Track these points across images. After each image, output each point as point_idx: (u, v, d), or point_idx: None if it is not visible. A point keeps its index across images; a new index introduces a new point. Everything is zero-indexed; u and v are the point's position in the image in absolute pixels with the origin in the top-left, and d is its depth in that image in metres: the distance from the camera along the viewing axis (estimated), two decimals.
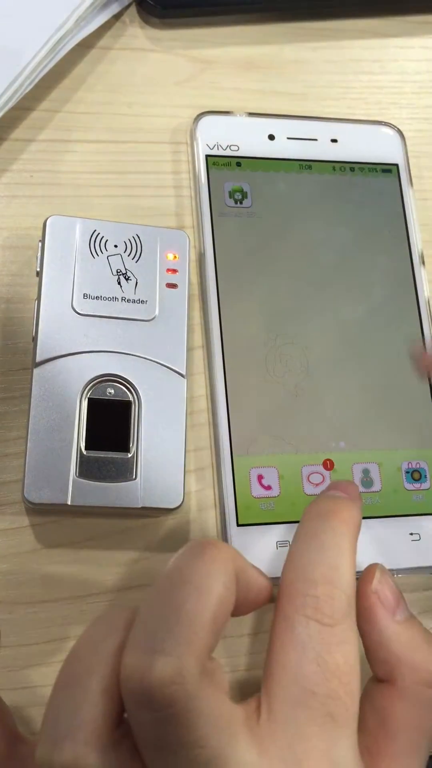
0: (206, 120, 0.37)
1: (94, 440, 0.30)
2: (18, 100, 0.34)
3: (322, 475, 0.33)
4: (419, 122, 0.41)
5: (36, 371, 0.30)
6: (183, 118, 0.38)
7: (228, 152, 0.37)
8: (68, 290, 0.31)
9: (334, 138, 0.38)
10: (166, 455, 0.31)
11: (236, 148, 0.37)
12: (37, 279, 0.32)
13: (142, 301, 0.32)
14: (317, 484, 0.33)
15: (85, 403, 0.31)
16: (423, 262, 0.37)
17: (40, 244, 0.32)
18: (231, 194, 0.36)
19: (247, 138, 0.37)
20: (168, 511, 0.31)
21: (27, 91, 0.34)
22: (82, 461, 0.30)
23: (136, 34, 0.40)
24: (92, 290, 0.32)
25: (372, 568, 0.27)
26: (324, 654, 0.22)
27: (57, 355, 0.31)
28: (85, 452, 0.30)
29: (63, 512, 0.31)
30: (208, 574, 0.22)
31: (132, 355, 0.31)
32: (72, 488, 0.29)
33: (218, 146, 0.37)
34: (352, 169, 0.38)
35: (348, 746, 0.22)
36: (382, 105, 0.41)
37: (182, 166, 0.37)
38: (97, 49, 0.39)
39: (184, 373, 0.32)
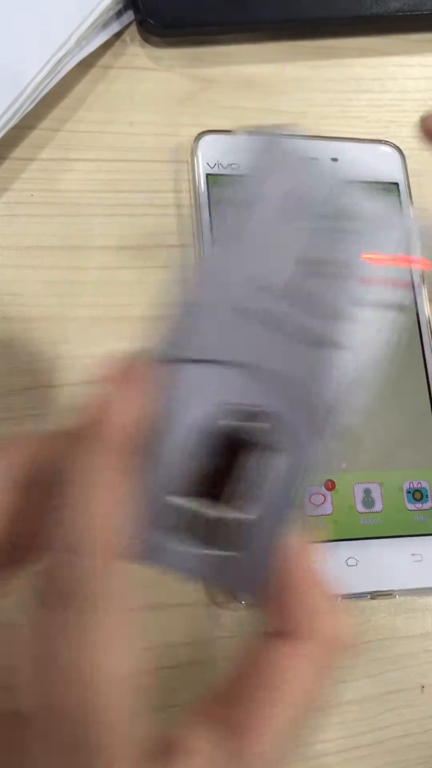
0: (207, 139, 0.37)
1: (192, 483, 0.22)
2: (19, 119, 0.34)
3: (323, 495, 0.33)
4: (419, 140, 0.41)
5: (163, 368, 0.21)
6: (184, 136, 0.38)
7: (229, 170, 0.37)
8: (246, 269, 0.21)
9: (334, 157, 0.38)
10: (272, 525, 0.22)
11: (237, 166, 0.37)
12: (192, 226, 0.25)
13: (334, 316, 0.22)
14: (319, 505, 0.33)
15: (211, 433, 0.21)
16: (423, 281, 0.37)
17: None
18: None
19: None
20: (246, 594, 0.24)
21: (28, 110, 0.34)
22: (181, 515, 0.21)
23: (137, 52, 0.40)
24: (276, 279, 0.22)
25: None
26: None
27: (196, 359, 0.21)
28: (175, 498, 0.21)
29: None
30: None
31: (291, 381, 0.22)
32: (162, 548, 0.21)
33: (219, 165, 0.37)
34: None
35: None
36: (382, 123, 0.42)
37: (183, 184, 0.37)
38: (98, 68, 0.39)
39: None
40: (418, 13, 0.42)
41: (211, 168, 0.37)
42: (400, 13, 0.41)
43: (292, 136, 0.37)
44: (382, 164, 0.39)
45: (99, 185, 0.37)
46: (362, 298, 0.22)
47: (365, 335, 0.22)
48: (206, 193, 0.36)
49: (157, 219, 0.37)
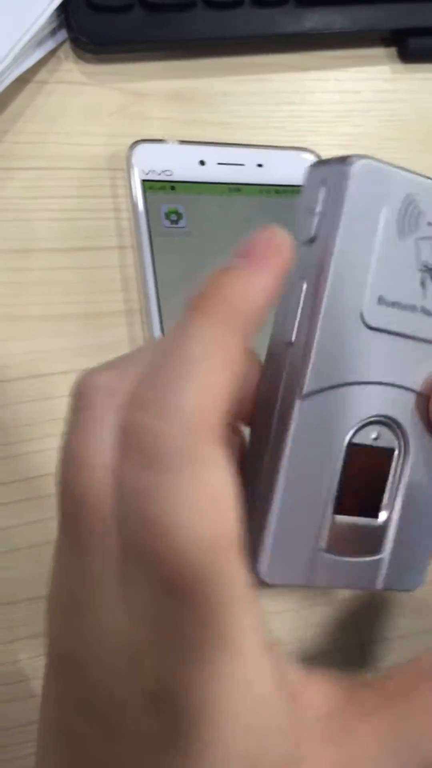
0: (141, 147, 0.40)
1: (346, 501, 0.23)
2: None
3: None
4: (336, 148, 0.45)
5: (300, 405, 0.22)
6: (118, 146, 0.40)
7: (162, 177, 0.39)
8: (360, 287, 0.22)
9: (260, 163, 0.41)
10: (421, 523, 0.24)
11: (170, 173, 0.39)
12: (306, 249, 0.22)
13: None
14: None
15: (344, 452, 0.23)
16: None
17: (323, 192, 0.22)
18: (167, 215, 0.38)
19: (180, 164, 0.40)
20: (405, 591, 0.25)
21: None
22: (332, 530, 0.23)
23: (71, 68, 0.42)
24: (390, 292, 0.22)
25: None
26: (139, 506, 0.18)
27: (332, 385, 0.22)
28: (336, 517, 0.23)
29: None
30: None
31: (413, 391, 0.23)
32: (315, 565, 0.23)
33: (153, 171, 0.39)
34: (277, 192, 0.41)
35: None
36: (301, 133, 0.45)
37: (120, 190, 0.40)
38: (35, 83, 0.41)
39: None
40: (330, 31, 0.45)
41: (146, 174, 0.39)
42: (314, 32, 0.45)
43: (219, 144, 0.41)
44: (304, 170, 0.42)
45: (40, 192, 0.39)
46: None
47: None
48: (142, 198, 0.38)
49: (96, 222, 0.39)
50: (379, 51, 0.48)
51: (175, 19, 0.42)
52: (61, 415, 0.35)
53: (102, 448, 0.19)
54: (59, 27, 0.41)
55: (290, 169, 0.42)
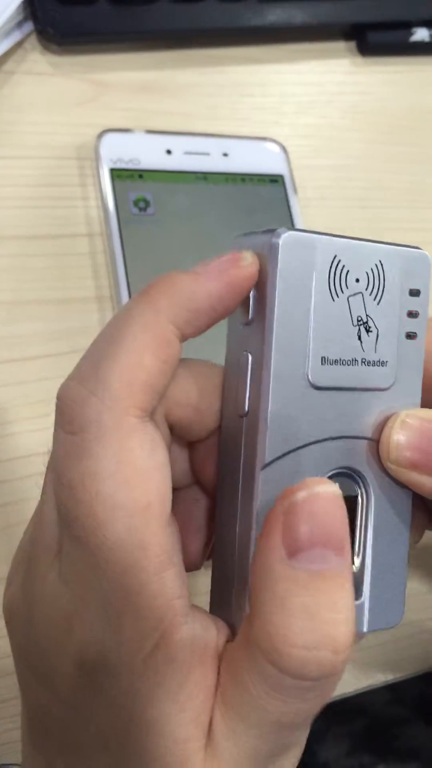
0: (108, 137, 0.40)
1: None
2: None
3: None
4: (299, 138, 0.46)
5: (263, 474, 0.22)
6: (86, 135, 0.41)
7: (130, 165, 0.40)
8: (302, 352, 0.22)
9: (225, 152, 0.42)
10: (393, 563, 0.25)
11: (137, 161, 0.40)
12: (248, 330, 0.23)
13: (382, 363, 0.24)
14: None
15: None
16: None
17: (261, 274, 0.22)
18: (135, 203, 0.39)
19: (147, 153, 0.41)
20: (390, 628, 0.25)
21: None
22: None
23: (37, 59, 0.43)
24: (331, 351, 0.23)
25: (296, 488, 0.19)
26: (61, 468, 0.20)
27: (290, 450, 0.22)
28: None
29: None
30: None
31: (365, 438, 0.24)
32: None
33: (120, 160, 0.40)
34: (242, 180, 0.42)
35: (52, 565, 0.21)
36: (265, 123, 0.46)
37: (88, 179, 0.40)
38: (1, 73, 0.41)
39: None
40: (291, 25, 0.46)
41: (114, 163, 0.40)
42: (276, 25, 0.46)
43: (185, 134, 0.41)
44: (268, 159, 0.44)
45: (8, 180, 0.39)
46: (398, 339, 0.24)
47: (405, 369, 0.24)
48: (111, 186, 0.39)
49: (65, 211, 0.40)
50: (340, 45, 0.49)
51: (141, 12, 0.43)
52: (34, 398, 0.36)
53: None
54: (25, 19, 0.42)
55: (255, 159, 0.43)
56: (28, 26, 0.42)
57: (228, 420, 0.23)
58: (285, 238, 0.22)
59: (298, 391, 0.22)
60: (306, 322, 0.22)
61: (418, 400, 0.25)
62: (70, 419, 0.20)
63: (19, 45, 0.42)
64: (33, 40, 0.43)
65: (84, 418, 0.20)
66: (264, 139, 0.44)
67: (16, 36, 0.41)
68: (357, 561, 0.24)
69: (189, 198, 0.41)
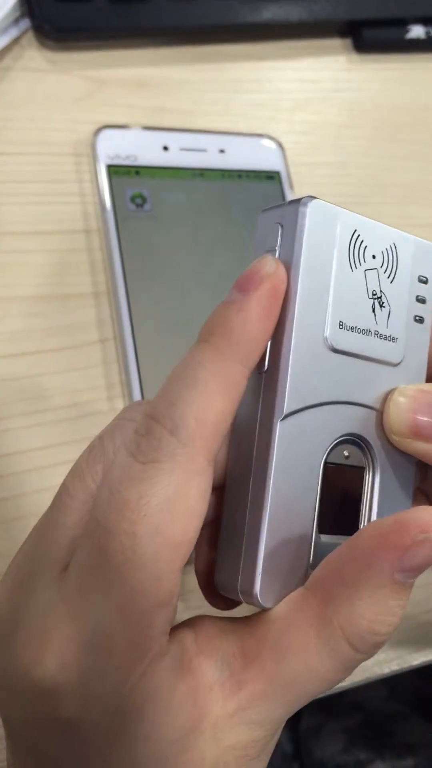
0: (105, 133, 0.40)
1: (328, 520, 0.24)
2: None
3: None
4: (295, 135, 0.46)
5: (281, 426, 0.23)
6: (83, 132, 0.41)
7: (127, 161, 0.40)
8: (322, 314, 0.23)
9: (222, 149, 0.42)
10: None
11: (134, 158, 0.40)
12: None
13: (393, 339, 0.25)
14: None
15: (321, 470, 0.24)
16: None
17: (280, 233, 0.24)
18: (132, 199, 0.39)
19: (144, 149, 0.41)
20: None
21: None
22: (317, 550, 0.24)
23: (34, 56, 0.43)
24: (349, 317, 0.24)
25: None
26: (118, 485, 0.21)
27: (307, 405, 0.23)
28: (321, 537, 0.24)
29: None
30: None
31: (374, 410, 0.25)
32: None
33: (117, 156, 0.40)
34: (239, 176, 0.42)
35: (106, 600, 0.21)
36: (262, 120, 0.46)
37: (85, 175, 0.40)
38: None
39: None
40: (287, 22, 0.47)
41: (111, 159, 0.40)
42: (273, 22, 0.46)
43: (182, 130, 0.41)
44: (265, 155, 0.44)
45: (5, 176, 0.39)
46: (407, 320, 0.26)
47: (412, 350, 0.26)
48: (108, 182, 0.39)
49: (62, 207, 0.40)
50: (335, 42, 0.49)
51: (137, 8, 0.43)
52: (31, 393, 0.36)
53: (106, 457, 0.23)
54: (22, 15, 0.42)
55: (251, 155, 0.43)
56: (25, 23, 0.42)
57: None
58: (313, 205, 0.23)
59: (316, 350, 0.23)
60: (327, 286, 0.24)
61: (423, 381, 0.26)
62: (146, 451, 0.21)
63: (15, 42, 0.42)
64: (30, 36, 0.43)
65: (160, 452, 0.21)
66: (260, 135, 0.44)
67: (13, 32, 0.42)
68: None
69: (186, 194, 0.41)
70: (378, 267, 0.25)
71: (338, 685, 0.37)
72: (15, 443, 0.35)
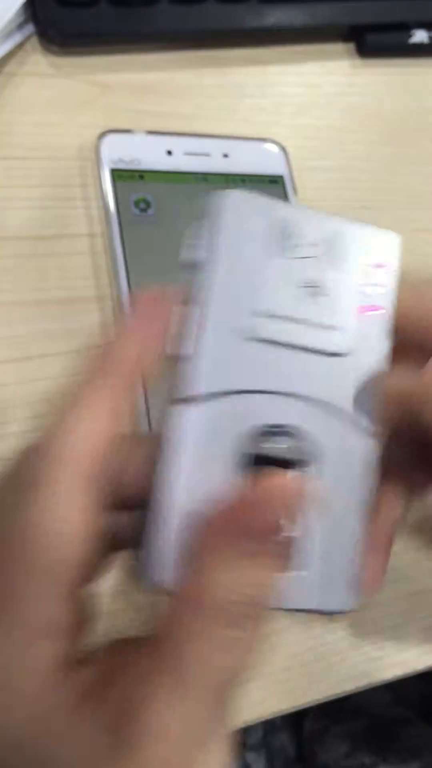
0: (109, 138, 0.40)
1: None
2: None
3: None
4: (299, 140, 0.46)
5: (180, 410, 0.23)
6: (87, 136, 0.41)
7: (131, 166, 0.40)
8: (242, 301, 0.23)
9: (225, 153, 0.43)
10: (341, 542, 0.24)
11: (138, 162, 0.40)
12: (191, 273, 0.24)
13: (333, 328, 0.25)
14: None
15: (244, 460, 0.23)
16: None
17: (205, 225, 0.25)
18: (136, 204, 0.39)
19: (148, 154, 0.41)
20: (340, 614, 0.25)
21: None
22: None
23: (39, 61, 0.43)
24: (274, 305, 0.24)
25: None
26: (5, 512, 0.22)
27: (219, 391, 0.23)
28: None
29: None
30: None
31: (312, 399, 0.24)
32: None
33: (121, 161, 0.40)
34: (243, 181, 0.42)
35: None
36: (265, 125, 0.46)
37: (89, 179, 0.41)
38: (3, 75, 0.42)
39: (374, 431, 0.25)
40: (290, 27, 0.47)
41: (115, 164, 0.40)
42: (276, 27, 0.46)
43: (186, 135, 0.42)
44: (268, 160, 0.44)
45: (10, 181, 0.39)
46: (357, 308, 0.25)
47: (366, 340, 0.25)
48: (112, 187, 0.39)
49: (66, 211, 0.40)
50: (338, 46, 0.50)
51: (141, 13, 0.43)
52: (36, 397, 0.36)
53: None
54: (26, 20, 0.42)
55: (255, 159, 0.43)
56: (29, 28, 0.42)
57: (167, 366, 0.24)
58: (231, 196, 0.24)
59: (232, 338, 0.23)
60: (249, 275, 0.24)
61: (383, 370, 0.25)
62: (19, 475, 0.22)
63: (20, 47, 0.42)
64: (34, 41, 0.43)
65: (31, 475, 0.22)
66: (264, 140, 0.44)
67: (17, 38, 0.42)
68: (298, 528, 0.22)
69: (189, 199, 0.41)
70: (316, 255, 0.24)
71: (342, 690, 0.37)
72: (18, 448, 0.35)
